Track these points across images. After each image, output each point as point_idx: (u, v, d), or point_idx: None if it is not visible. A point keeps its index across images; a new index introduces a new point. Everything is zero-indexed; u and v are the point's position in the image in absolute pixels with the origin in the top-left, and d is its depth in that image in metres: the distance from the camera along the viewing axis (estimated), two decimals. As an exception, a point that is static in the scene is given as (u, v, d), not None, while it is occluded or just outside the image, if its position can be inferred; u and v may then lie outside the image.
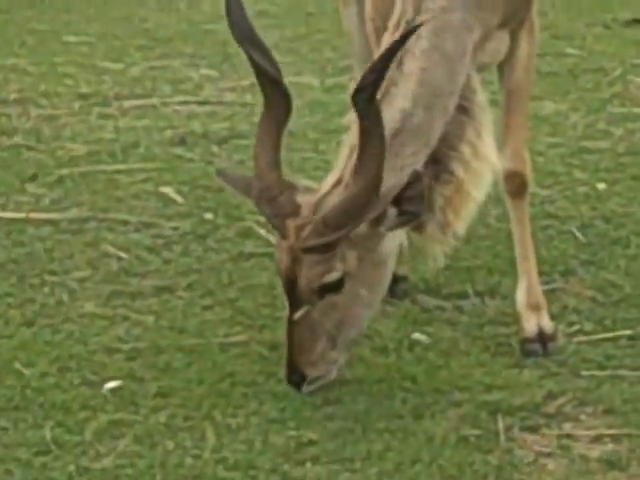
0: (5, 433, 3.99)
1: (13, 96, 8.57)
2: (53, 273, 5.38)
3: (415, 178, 3.82)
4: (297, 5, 11.16)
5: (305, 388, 4.04)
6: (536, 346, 4.54)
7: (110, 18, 10.97)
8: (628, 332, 4.66)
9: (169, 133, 7.26)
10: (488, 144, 4.20)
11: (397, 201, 3.85)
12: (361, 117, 3.80)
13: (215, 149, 6.73)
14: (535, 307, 4.60)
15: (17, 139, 7.50)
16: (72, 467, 3.77)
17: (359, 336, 4.19)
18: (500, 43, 4.44)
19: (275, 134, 3.99)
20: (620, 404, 4.10)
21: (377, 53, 4.04)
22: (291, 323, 4.01)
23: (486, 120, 4.24)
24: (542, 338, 4.55)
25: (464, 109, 4.18)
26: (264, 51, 4.00)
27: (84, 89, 8.73)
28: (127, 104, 8.15)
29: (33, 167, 6.91)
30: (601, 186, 6.39)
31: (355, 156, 3.93)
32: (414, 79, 4.02)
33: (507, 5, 4.34)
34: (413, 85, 4.02)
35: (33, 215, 6.11)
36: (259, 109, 4.02)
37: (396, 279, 4.54)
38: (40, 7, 12.16)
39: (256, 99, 7.14)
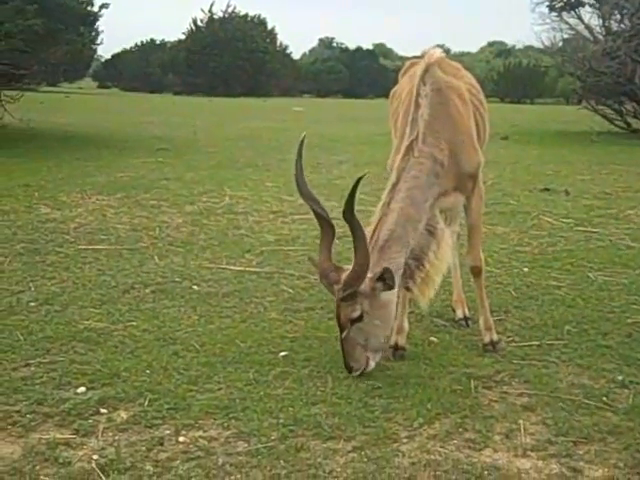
0: (230, 375, 4.02)
1: (242, 210, 8.69)
2: (256, 297, 5.41)
3: (388, 271, 3.89)
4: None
5: (354, 373, 4.01)
6: (490, 347, 4.48)
7: (289, 175, 11.17)
8: (536, 342, 4.58)
9: (315, 233, 7.31)
10: (444, 252, 4.19)
11: (383, 279, 3.90)
12: (350, 225, 3.88)
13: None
14: (489, 328, 4.54)
15: (242, 231, 7.59)
16: (262, 392, 3.80)
17: (382, 346, 4.11)
18: (455, 198, 4.40)
19: (328, 244, 4.04)
20: (532, 378, 4.02)
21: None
22: (341, 340, 4.02)
23: (444, 238, 4.20)
24: (493, 343, 4.49)
25: (430, 232, 4.15)
26: (318, 202, 4.10)
27: (275, 209, 8.82)
28: (296, 217, 8.23)
29: (248, 246, 6.99)
30: (526, 269, 6.30)
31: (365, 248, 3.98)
32: (395, 213, 4.05)
33: (456, 180, 4.31)
34: (395, 216, 4.04)
35: (248, 269, 6.17)
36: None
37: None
38: (255, 168, 12.37)
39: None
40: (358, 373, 4.01)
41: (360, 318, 3.96)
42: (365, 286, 3.92)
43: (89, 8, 17.04)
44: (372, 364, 4.05)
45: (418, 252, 4.13)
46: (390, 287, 3.94)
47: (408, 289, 4.17)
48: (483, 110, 4.76)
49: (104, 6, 17.51)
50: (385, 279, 3.91)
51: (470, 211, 4.52)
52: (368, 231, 4.07)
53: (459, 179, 4.35)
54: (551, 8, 24.55)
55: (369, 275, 3.91)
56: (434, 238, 4.17)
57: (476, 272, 4.60)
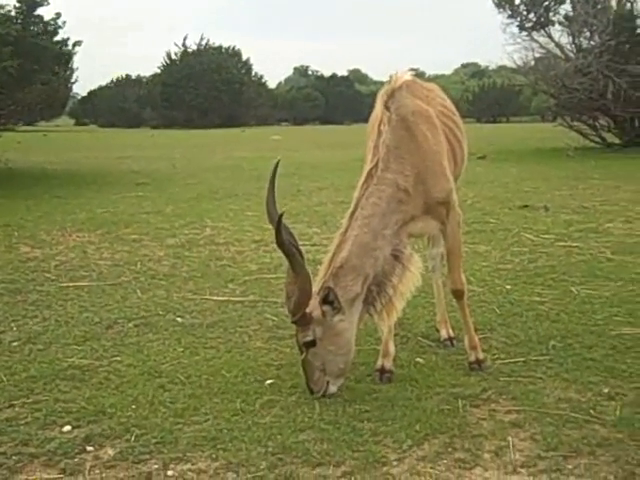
0: (216, 406, 3.98)
1: (223, 241, 8.69)
2: (240, 326, 5.38)
3: (331, 291, 3.88)
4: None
5: (314, 395, 4.00)
6: (476, 365, 4.46)
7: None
8: (522, 359, 4.58)
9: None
10: (409, 278, 4.10)
11: (330, 303, 3.90)
12: (284, 253, 3.90)
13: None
14: (474, 347, 4.52)
15: (224, 262, 7.57)
16: (249, 422, 3.76)
17: (342, 371, 4.06)
18: (426, 223, 4.31)
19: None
20: (520, 394, 4.00)
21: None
22: (301, 361, 4.04)
23: (410, 263, 4.12)
24: (478, 362, 4.48)
25: (396, 257, 4.09)
26: (287, 230, 4.05)
27: (256, 238, 8.82)
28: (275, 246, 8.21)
29: (231, 275, 6.97)
30: (508, 286, 6.32)
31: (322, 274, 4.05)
32: (350, 241, 4.00)
33: (425, 207, 4.23)
34: (350, 244, 3.99)
35: (231, 298, 6.15)
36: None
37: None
38: (235, 198, 12.38)
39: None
40: (319, 395, 4.01)
41: (313, 343, 3.95)
42: (317, 311, 3.92)
43: (64, 48, 17.04)
44: (332, 388, 4.04)
45: (381, 278, 4.07)
46: (338, 310, 3.92)
47: (370, 315, 4.12)
48: (459, 132, 4.71)
49: (77, 43, 17.53)
50: (331, 301, 3.90)
51: (446, 237, 4.44)
52: (326, 259, 4.09)
53: (428, 206, 4.25)
54: (521, 28, 24.86)
55: (317, 299, 3.92)
56: (399, 263, 4.10)
57: (458, 295, 4.55)
